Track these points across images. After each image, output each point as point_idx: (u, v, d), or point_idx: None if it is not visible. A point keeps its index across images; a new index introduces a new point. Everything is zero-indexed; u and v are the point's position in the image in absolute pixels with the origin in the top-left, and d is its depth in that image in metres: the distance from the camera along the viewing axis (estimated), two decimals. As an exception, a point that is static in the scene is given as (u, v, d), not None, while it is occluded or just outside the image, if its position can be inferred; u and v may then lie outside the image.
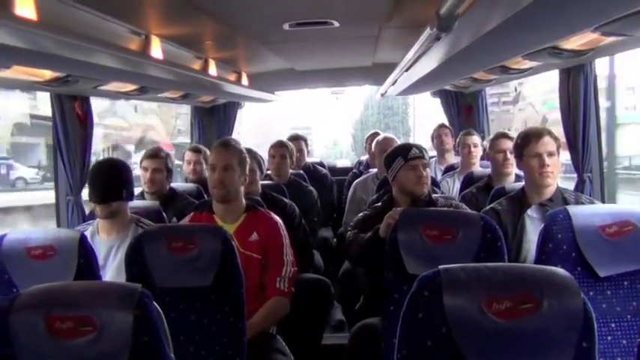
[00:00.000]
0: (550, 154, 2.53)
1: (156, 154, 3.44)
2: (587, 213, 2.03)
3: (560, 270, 1.32)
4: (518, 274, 1.32)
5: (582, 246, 1.97)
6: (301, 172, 4.80)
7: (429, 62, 2.93)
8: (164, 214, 3.04)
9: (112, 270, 2.49)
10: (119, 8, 2.41)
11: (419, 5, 2.71)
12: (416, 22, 3.06)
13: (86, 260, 2.20)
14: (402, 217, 2.21)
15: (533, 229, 2.51)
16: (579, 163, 3.14)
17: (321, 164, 6.06)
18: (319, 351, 3.25)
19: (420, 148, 2.71)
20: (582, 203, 2.56)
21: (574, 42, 2.27)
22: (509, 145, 3.28)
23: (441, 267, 1.33)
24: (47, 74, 2.50)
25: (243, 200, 2.61)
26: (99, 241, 2.53)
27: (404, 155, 2.69)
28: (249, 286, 2.24)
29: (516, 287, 1.27)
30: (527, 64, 2.87)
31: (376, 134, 5.26)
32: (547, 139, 2.55)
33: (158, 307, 1.43)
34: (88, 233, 2.51)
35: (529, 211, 2.57)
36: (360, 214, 2.88)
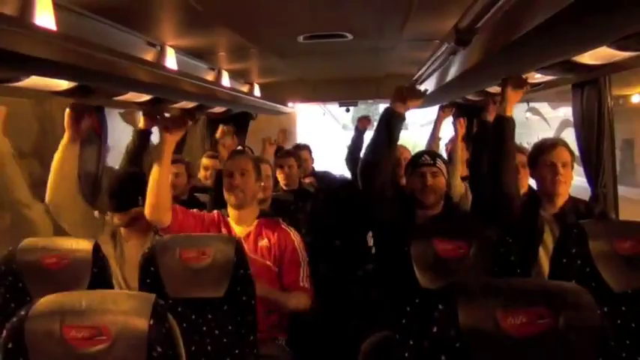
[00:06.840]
0: (564, 165, 2.55)
1: (178, 160, 3.61)
2: (602, 228, 2.01)
3: (577, 286, 1.31)
4: (534, 288, 1.31)
5: (597, 261, 1.95)
6: (311, 180, 4.82)
7: (443, 76, 2.93)
8: None
9: (130, 273, 2.52)
10: (135, 19, 2.43)
11: (432, 19, 2.70)
12: (429, 36, 3.06)
13: (100, 270, 2.20)
14: (415, 231, 2.21)
15: (549, 238, 2.52)
16: (594, 178, 3.11)
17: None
18: None
19: (432, 156, 2.71)
20: (594, 212, 2.57)
21: (588, 56, 2.25)
22: (522, 158, 3.28)
23: (455, 280, 1.33)
24: (64, 84, 2.50)
25: (258, 207, 2.65)
26: (124, 244, 2.59)
27: (414, 162, 2.71)
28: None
29: (532, 302, 1.26)
30: (541, 78, 2.85)
31: None
32: (561, 149, 2.57)
33: (172, 318, 1.43)
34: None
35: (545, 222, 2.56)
36: None
